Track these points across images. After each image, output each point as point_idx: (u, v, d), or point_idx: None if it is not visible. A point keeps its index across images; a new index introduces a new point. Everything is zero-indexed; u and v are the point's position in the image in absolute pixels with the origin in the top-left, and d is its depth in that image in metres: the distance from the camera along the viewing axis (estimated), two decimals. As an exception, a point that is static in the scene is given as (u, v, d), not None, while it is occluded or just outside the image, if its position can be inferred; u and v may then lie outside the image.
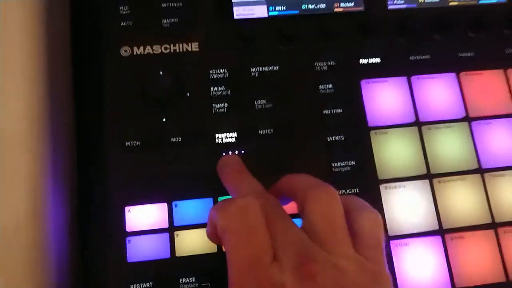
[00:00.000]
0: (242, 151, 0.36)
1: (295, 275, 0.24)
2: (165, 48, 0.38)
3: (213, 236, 0.28)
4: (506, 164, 0.38)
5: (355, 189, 0.37)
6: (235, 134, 0.37)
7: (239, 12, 0.40)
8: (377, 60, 0.40)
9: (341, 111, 0.38)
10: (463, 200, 0.37)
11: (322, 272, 0.24)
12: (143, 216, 0.35)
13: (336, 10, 0.41)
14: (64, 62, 0.36)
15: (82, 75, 0.38)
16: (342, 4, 0.41)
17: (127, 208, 0.34)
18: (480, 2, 0.43)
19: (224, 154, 0.36)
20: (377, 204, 0.36)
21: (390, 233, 0.36)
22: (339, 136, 0.38)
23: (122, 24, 0.38)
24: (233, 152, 0.36)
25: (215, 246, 0.34)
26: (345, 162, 0.37)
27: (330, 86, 0.39)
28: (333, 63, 0.39)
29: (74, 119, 0.37)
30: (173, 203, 0.35)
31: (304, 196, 0.27)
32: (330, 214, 0.26)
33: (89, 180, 0.36)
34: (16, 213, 0.28)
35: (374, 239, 0.27)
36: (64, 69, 0.36)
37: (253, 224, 0.25)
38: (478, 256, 0.36)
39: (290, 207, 0.32)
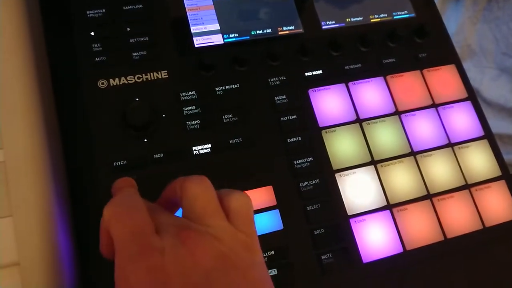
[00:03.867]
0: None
1: (172, 240, 0.26)
2: (138, 78, 0.43)
3: (106, 246, 0.28)
4: (432, 146, 0.47)
5: (316, 180, 0.43)
6: (209, 145, 0.42)
7: (199, 42, 0.46)
8: (319, 72, 0.48)
9: (295, 116, 0.45)
10: (402, 179, 0.45)
11: (199, 236, 0.26)
12: (137, 226, 0.39)
13: (280, 33, 0.49)
14: (49, 101, 0.40)
15: (67, 110, 0.41)
16: (284, 28, 0.49)
17: (122, 220, 0.39)
18: (395, 17, 0.52)
19: (200, 164, 0.42)
20: (336, 189, 0.43)
21: (349, 213, 0.43)
22: (297, 138, 0.44)
23: (96, 59, 0.43)
24: (208, 162, 0.42)
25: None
26: (305, 159, 0.44)
27: (284, 97, 0.46)
28: (284, 78, 0.46)
29: (62, 148, 0.41)
30: (164, 211, 0.40)
31: (180, 188, 0.30)
32: (202, 193, 0.29)
33: (83, 202, 0.39)
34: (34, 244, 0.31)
35: (245, 216, 0.30)
36: (50, 107, 0.40)
37: (133, 205, 0.27)
38: (421, 223, 0.44)
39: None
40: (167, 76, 0.44)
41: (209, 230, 0.27)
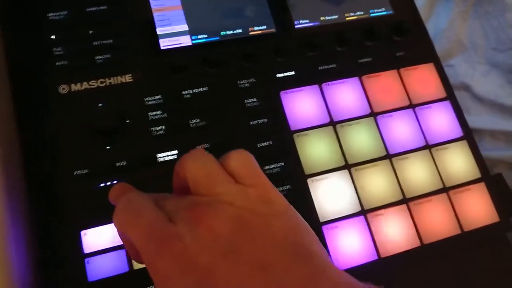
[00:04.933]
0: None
1: (186, 222, 0.25)
2: (101, 82, 0.42)
3: (135, 254, 0.29)
4: (409, 148, 0.46)
5: (287, 186, 0.42)
6: (175, 152, 0.41)
7: (165, 43, 0.45)
8: (292, 73, 0.46)
9: (266, 120, 0.44)
10: (378, 183, 0.44)
11: (211, 209, 0.26)
12: (99, 237, 0.38)
13: (251, 33, 0.47)
14: (6, 107, 0.39)
15: (27, 117, 0.40)
16: (256, 28, 0.47)
17: (83, 232, 0.37)
18: (372, 14, 0.51)
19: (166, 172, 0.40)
20: (307, 195, 0.42)
21: (321, 219, 0.42)
22: (268, 142, 0.43)
23: (57, 64, 0.41)
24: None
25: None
26: (275, 164, 0.42)
27: (254, 100, 0.44)
28: (254, 80, 0.45)
29: (22, 157, 0.39)
30: (126, 221, 0.38)
31: (181, 169, 0.29)
32: (201, 166, 0.28)
33: (44, 211, 0.38)
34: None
35: (249, 170, 0.29)
36: (7, 114, 0.38)
37: (138, 205, 0.27)
38: (396, 228, 0.43)
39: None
40: (131, 80, 0.43)
41: (219, 198, 0.27)
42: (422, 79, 0.48)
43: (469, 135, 0.47)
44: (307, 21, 0.49)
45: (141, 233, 0.26)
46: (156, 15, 0.45)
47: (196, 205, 0.27)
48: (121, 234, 0.29)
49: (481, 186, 0.46)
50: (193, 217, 0.26)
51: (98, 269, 0.37)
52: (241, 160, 0.29)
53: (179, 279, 0.24)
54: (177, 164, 0.30)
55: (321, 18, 0.49)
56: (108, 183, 0.39)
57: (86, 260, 0.37)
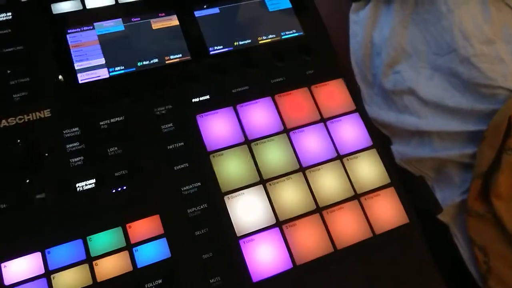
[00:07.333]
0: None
1: None
2: (20, 119, 0.44)
3: None
4: (321, 160, 0.49)
5: (204, 205, 0.44)
6: (93, 180, 0.43)
7: (83, 77, 0.47)
8: (207, 97, 0.49)
9: (182, 143, 0.46)
10: (291, 195, 0.46)
11: None
12: (19, 268, 0.39)
13: (167, 62, 0.50)
14: None
15: None
16: (172, 56, 0.50)
17: (2, 265, 0.39)
18: (284, 37, 0.54)
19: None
20: (224, 212, 0.44)
21: (238, 234, 0.44)
22: (184, 164, 0.45)
23: (-25, 104, 0.43)
24: (93, 198, 0.42)
25: (90, 279, 0.40)
26: (192, 185, 0.45)
27: (170, 125, 0.47)
28: (171, 106, 0.47)
29: None
30: (46, 250, 0.40)
31: None
32: None
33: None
34: None
35: None
36: None
37: None
38: (310, 237, 0.45)
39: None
40: (50, 114, 0.45)
41: None
42: (332, 94, 0.52)
43: (377, 144, 0.51)
44: (221, 46, 0.52)
45: None
46: (73, 51, 0.48)
47: None
48: None
49: (391, 190, 0.49)
50: None
51: (19, 299, 0.38)
52: None
53: None
54: None
55: (235, 43, 0.52)
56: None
57: (7, 291, 0.38)
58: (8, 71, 0.45)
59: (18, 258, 0.39)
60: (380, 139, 0.51)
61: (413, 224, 0.48)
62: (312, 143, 0.49)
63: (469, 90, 0.69)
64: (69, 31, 0.48)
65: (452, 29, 0.70)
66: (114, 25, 0.50)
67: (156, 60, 0.49)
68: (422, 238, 0.47)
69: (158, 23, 0.51)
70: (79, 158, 0.43)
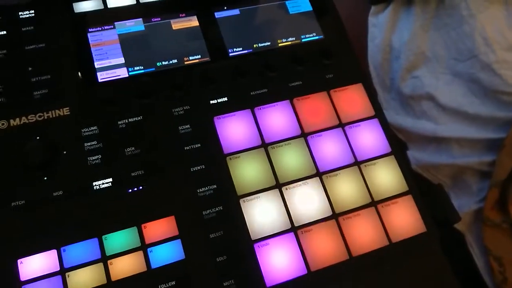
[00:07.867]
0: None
1: None
2: (39, 116, 0.44)
3: None
4: (338, 165, 0.48)
5: (219, 207, 0.44)
6: (110, 180, 0.43)
7: (103, 76, 0.47)
8: (225, 99, 0.48)
9: (199, 145, 0.46)
10: (307, 201, 0.46)
11: None
12: (35, 265, 0.39)
13: (186, 63, 0.50)
14: None
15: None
16: (191, 57, 0.50)
17: (19, 261, 0.39)
18: (303, 40, 0.54)
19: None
20: (239, 215, 0.44)
21: (253, 238, 0.44)
22: (200, 166, 0.45)
23: (-4, 101, 0.44)
24: (110, 197, 0.42)
25: (104, 278, 0.40)
26: (208, 187, 0.45)
27: (188, 126, 0.46)
28: (188, 107, 0.47)
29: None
30: (62, 248, 0.40)
31: None
32: None
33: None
34: None
35: None
36: None
37: None
38: (326, 243, 0.45)
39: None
40: (69, 113, 0.45)
41: None
42: (351, 99, 0.51)
43: (396, 151, 0.50)
44: (240, 48, 0.51)
45: None
46: (94, 50, 0.48)
47: None
48: None
49: (408, 198, 0.48)
50: None
51: (35, 296, 0.39)
52: None
53: None
54: None
55: (254, 46, 0.52)
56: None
57: (23, 287, 0.39)
58: (30, 68, 0.45)
59: (34, 255, 0.40)
60: (398, 146, 0.50)
61: (430, 233, 0.47)
62: (329, 148, 0.49)
63: (489, 97, 0.68)
64: (90, 30, 0.49)
65: (473, 34, 0.68)
66: (135, 25, 0.50)
67: (175, 61, 0.49)
68: (440, 248, 0.47)
69: (178, 24, 0.51)
70: (96, 156, 0.44)
